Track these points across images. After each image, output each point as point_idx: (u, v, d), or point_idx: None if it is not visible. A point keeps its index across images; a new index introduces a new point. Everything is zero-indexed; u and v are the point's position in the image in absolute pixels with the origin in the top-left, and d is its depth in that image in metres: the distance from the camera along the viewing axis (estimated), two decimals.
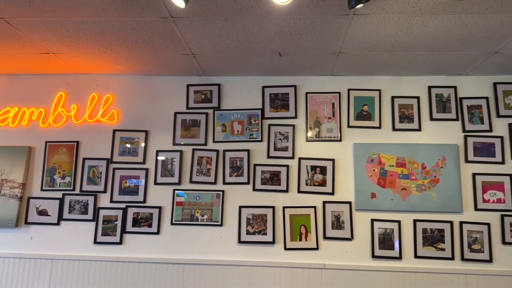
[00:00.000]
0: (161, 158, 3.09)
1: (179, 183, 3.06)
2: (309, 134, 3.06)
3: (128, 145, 3.14)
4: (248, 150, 3.06)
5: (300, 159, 3.02)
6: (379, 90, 3.10)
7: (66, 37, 2.51)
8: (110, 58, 2.88)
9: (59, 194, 3.09)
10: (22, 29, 2.42)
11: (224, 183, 3.04)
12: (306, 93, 3.12)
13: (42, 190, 3.11)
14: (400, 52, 2.65)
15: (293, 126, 3.08)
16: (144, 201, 3.05)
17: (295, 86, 3.14)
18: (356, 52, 2.67)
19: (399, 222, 2.90)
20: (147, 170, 3.09)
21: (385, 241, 2.88)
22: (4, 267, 3.00)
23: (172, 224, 3.01)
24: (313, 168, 3.00)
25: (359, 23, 2.26)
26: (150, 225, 3.01)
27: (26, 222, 3.06)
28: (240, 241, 2.94)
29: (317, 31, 2.36)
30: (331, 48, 2.61)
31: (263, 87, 3.16)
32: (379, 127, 3.05)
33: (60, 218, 3.06)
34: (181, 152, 3.10)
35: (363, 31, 2.35)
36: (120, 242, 2.99)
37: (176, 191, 3.04)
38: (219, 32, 2.40)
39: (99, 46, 2.64)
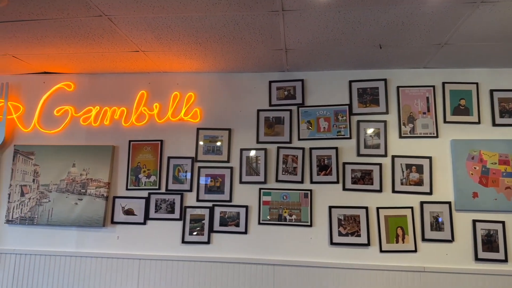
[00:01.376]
0: (245, 156, 3.03)
1: (265, 182, 2.98)
2: (403, 130, 2.91)
3: (212, 144, 3.09)
4: (336, 148, 2.94)
5: (393, 157, 2.88)
6: (476, 83, 2.91)
7: (164, 34, 2.46)
8: (198, 56, 2.82)
9: (144, 193, 3.08)
10: (122, 27, 2.38)
11: (312, 182, 2.94)
12: (398, 87, 2.97)
13: (127, 189, 3.10)
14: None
15: (385, 122, 2.94)
16: (230, 200, 3.00)
17: (385, 80, 2.99)
18: (463, 43, 2.50)
19: (503, 222, 2.72)
20: (231, 168, 3.03)
21: (489, 242, 2.72)
22: (92, 267, 3.01)
23: (259, 223, 2.94)
24: (408, 166, 2.86)
25: (483, 12, 2.09)
26: (237, 225, 2.95)
27: (113, 222, 3.06)
28: (332, 243, 2.84)
29: (432, 21, 2.21)
30: (437, 39, 2.46)
31: (350, 82, 3.03)
32: (478, 123, 2.87)
33: (147, 217, 3.04)
34: (265, 150, 3.02)
35: (483, 20, 2.18)
36: (208, 242, 2.95)
37: (262, 190, 2.97)
38: (325, 24, 2.28)
39: (194, 43, 2.58)
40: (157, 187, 3.07)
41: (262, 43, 2.56)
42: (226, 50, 2.70)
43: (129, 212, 3.07)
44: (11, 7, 2.15)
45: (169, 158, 3.11)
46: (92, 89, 3.29)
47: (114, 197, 3.09)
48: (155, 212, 3.04)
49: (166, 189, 3.07)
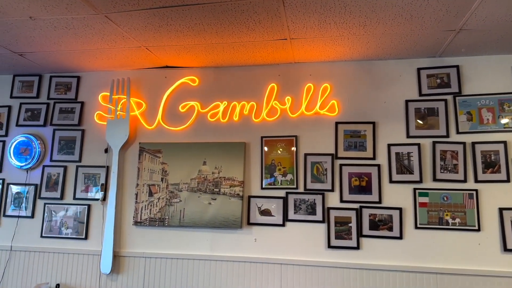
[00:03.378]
0: (394, 152, 2.74)
1: (420, 181, 2.68)
2: None
3: (353, 139, 2.82)
4: (504, 142, 2.60)
5: None
6: None
7: (331, 16, 2.20)
8: (349, 42, 2.56)
9: (281, 193, 2.85)
10: (289, 10, 2.15)
11: (477, 181, 2.61)
12: None
13: (262, 188, 2.89)
14: None
15: None
16: (380, 201, 2.71)
17: None
18: None
19: None
20: (379, 166, 2.75)
21: None
22: (228, 271, 2.82)
23: (416, 228, 2.64)
24: None
25: None
26: (390, 229, 2.67)
27: (249, 223, 2.86)
28: (506, 249, 2.49)
29: None
30: None
31: None
32: None
33: (285, 218, 2.82)
34: (418, 145, 2.72)
35: None
36: (357, 247, 2.68)
37: (417, 191, 2.67)
38: None
39: (357, 26, 2.32)
40: (294, 186, 2.84)
41: (439, 22, 2.26)
42: (388, 33, 2.42)
43: (265, 212, 2.85)
44: None
45: (305, 155, 2.87)
46: (218, 83, 3.10)
47: (249, 197, 2.89)
48: (295, 213, 2.81)
49: (305, 189, 2.83)
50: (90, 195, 3.12)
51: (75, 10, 2.19)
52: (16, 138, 3.25)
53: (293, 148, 2.88)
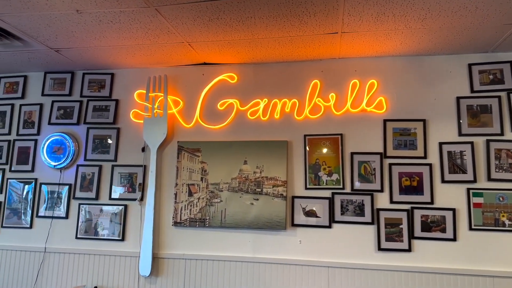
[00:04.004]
0: (446, 151, 2.64)
1: (474, 181, 2.57)
2: None
3: (403, 137, 2.73)
4: None
5: None
6: None
7: (391, 9, 2.11)
8: (401, 36, 2.46)
9: (327, 193, 2.76)
10: (349, 2, 2.06)
11: None
12: None
13: (306, 188, 2.80)
14: None
15: None
16: (432, 202, 2.61)
17: None
18: None
19: None
20: (430, 165, 2.65)
21: None
22: (272, 274, 2.73)
23: (471, 229, 2.54)
24: None
25: None
26: (443, 230, 2.57)
27: (293, 224, 2.77)
28: None
29: None
30: None
31: None
32: None
33: (332, 220, 2.72)
34: (471, 144, 2.62)
35: None
36: (409, 249, 2.59)
37: (471, 191, 2.57)
38: None
39: (415, 20, 2.21)
40: (341, 186, 2.75)
41: (503, 15, 2.16)
42: (446, 26, 2.32)
43: (310, 213, 2.76)
44: None
45: (352, 154, 2.77)
46: (258, 80, 3.01)
47: (293, 197, 2.79)
48: (341, 214, 2.71)
49: (352, 189, 2.73)
50: (126, 194, 3.04)
51: (125, 3, 2.11)
52: (50, 136, 3.18)
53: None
